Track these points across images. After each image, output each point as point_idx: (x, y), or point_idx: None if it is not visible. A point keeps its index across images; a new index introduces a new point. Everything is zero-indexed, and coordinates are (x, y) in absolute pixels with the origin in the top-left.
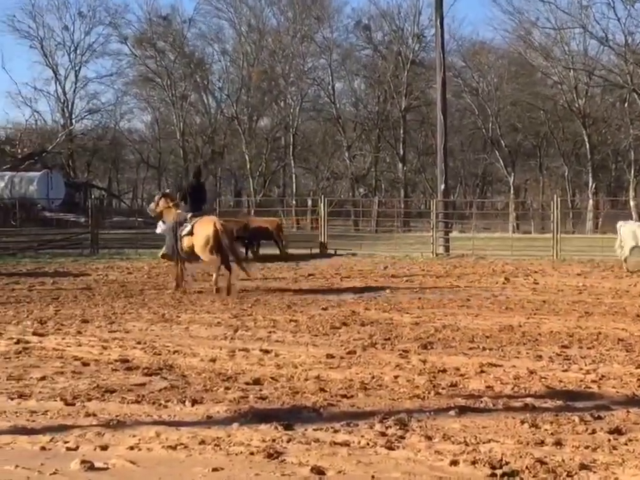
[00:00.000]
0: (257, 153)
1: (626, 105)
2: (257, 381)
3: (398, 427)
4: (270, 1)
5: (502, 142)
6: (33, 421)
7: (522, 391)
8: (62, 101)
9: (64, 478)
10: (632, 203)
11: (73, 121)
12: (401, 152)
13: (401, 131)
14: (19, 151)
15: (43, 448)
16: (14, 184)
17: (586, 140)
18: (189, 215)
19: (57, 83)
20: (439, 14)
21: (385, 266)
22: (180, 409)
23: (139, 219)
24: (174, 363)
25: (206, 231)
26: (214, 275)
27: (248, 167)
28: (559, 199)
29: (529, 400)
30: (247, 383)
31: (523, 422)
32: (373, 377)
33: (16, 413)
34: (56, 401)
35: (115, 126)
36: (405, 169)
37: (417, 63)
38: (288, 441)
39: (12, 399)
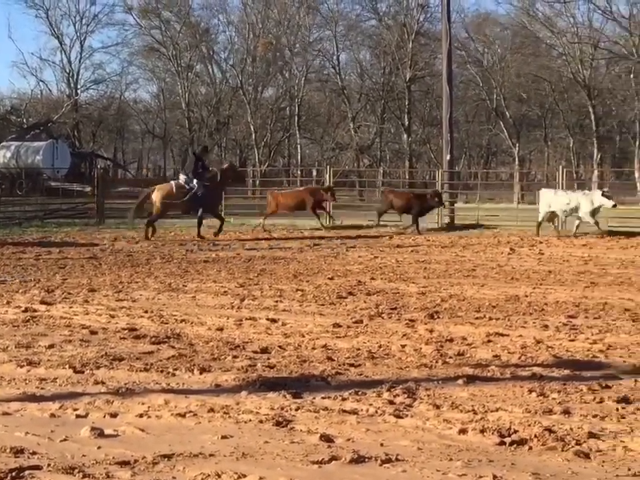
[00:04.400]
0: (262, 123)
1: (631, 76)
2: (264, 350)
3: (406, 396)
4: None
5: (507, 113)
6: (42, 388)
7: (529, 360)
8: (67, 70)
9: (74, 445)
10: (637, 174)
11: (79, 90)
12: (406, 123)
13: (406, 102)
14: (25, 120)
15: (53, 415)
16: (20, 154)
17: (591, 111)
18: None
19: (63, 53)
20: None
21: (390, 236)
22: (188, 377)
23: (145, 189)
24: (181, 332)
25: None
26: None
27: (253, 137)
28: (564, 170)
29: (536, 369)
30: (255, 352)
31: (530, 391)
32: (380, 346)
33: (25, 380)
34: (65, 368)
35: (120, 96)
36: (409, 139)
37: (422, 34)
38: (296, 409)
39: (21, 367)
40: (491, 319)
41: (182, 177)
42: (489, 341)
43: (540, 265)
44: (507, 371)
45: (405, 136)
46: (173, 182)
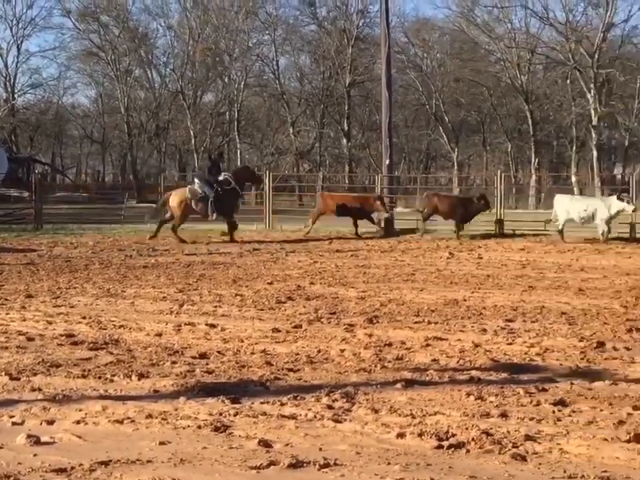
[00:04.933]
0: (202, 128)
1: (568, 82)
2: (203, 355)
3: (345, 400)
4: None
5: (445, 118)
6: None
7: (467, 364)
8: (4, 74)
9: (10, 452)
10: (573, 179)
11: (16, 95)
12: (346, 127)
13: (346, 107)
14: None
15: None
16: None
17: (528, 116)
18: None
19: None
20: None
21: (330, 240)
22: (126, 383)
23: (83, 194)
24: (120, 338)
25: None
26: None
27: (192, 142)
28: (502, 175)
29: (474, 373)
30: (194, 357)
31: (468, 394)
32: (319, 351)
33: None
34: (1, 375)
35: (58, 101)
36: (349, 144)
37: (361, 39)
38: (235, 415)
39: None
40: (429, 323)
41: (196, 182)
42: (428, 345)
43: (478, 269)
44: (445, 374)
45: (345, 140)
46: (188, 187)
